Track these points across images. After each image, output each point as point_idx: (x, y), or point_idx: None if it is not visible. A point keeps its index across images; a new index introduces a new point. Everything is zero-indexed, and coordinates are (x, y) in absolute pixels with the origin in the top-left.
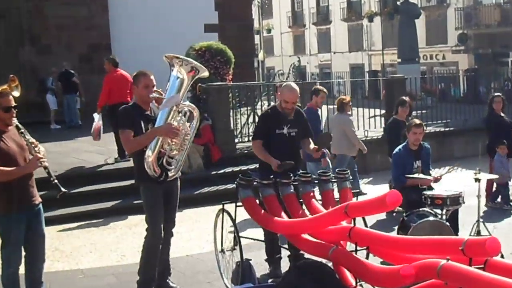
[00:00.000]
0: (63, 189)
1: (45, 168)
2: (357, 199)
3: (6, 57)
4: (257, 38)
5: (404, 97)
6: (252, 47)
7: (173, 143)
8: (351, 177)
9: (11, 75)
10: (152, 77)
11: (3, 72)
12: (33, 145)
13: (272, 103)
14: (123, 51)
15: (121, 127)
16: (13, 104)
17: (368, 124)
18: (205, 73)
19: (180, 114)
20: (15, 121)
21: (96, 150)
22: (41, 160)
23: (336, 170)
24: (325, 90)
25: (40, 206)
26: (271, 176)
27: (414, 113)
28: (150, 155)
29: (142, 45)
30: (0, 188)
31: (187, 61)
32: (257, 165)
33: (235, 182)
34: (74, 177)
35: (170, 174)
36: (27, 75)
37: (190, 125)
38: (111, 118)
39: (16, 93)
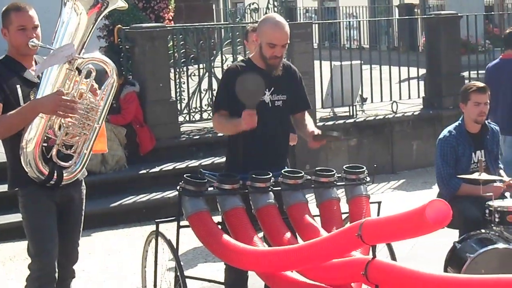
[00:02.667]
0: None
1: None
2: (378, 214)
3: None
4: None
5: None
6: None
7: (70, 123)
8: (368, 178)
9: None
10: (31, 12)
11: None
12: None
13: (240, 58)
14: None
15: None
16: None
17: (399, 92)
18: (121, 4)
19: (80, 75)
20: None
21: None
22: None
23: (345, 166)
24: None
25: None
26: (237, 178)
27: (474, 72)
28: (28, 145)
29: None
30: None
31: None
32: (215, 159)
33: (178, 188)
34: None
35: (66, 175)
36: None
37: (99, 93)
38: None
39: None
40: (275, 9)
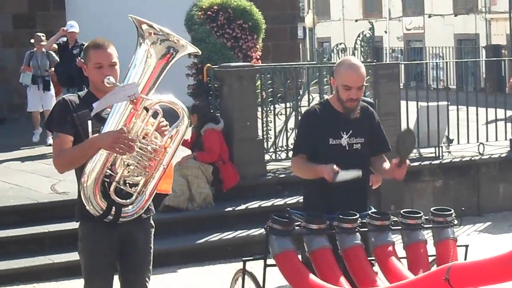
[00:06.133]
0: None
1: None
2: (465, 258)
3: None
4: None
5: None
6: (294, 6)
7: (130, 162)
8: (455, 221)
9: None
10: (110, 50)
11: None
12: None
13: (327, 97)
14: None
15: (52, 128)
16: None
17: (486, 133)
18: (191, 50)
19: (148, 114)
20: None
21: (39, 169)
22: None
23: (432, 209)
24: None
25: None
26: (324, 218)
27: None
28: (88, 179)
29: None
30: None
31: (163, 34)
32: (300, 198)
33: (265, 227)
34: (1, 214)
35: (125, 210)
36: None
37: (167, 134)
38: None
39: None
40: (362, 49)
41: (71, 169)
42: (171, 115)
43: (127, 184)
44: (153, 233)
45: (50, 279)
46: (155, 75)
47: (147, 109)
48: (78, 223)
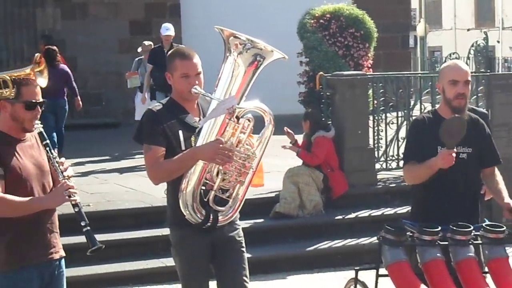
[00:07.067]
0: (98, 244)
1: (75, 205)
2: None
3: (19, 22)
4: (414, 0)
5: None
6: (406, 15)
7: (227, 170)
8: None
9: (37, 54)
10: (195, 60)
11: (16, 47)
12: (60, 167)
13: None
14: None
15: (144, 141)
16: (40, 98)
17: None
18: (277, 56)
19: (240, 122)
20: (38, 125)
21: None
22: (70, 191)
23: None
24: None
25: (62, 262)
26: (437, 229)
27: None
28: (187, 188)
29: (228, 6)
30: (0, 230)
31: (250, 42)
32: (410, 208)
33: (378, 236)
34: (116, 216)
35: (220, 218)
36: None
37: (256, 138)
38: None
39: (42, 82)
40: (475, 58)
41: (167, 181)
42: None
43: (222, 191)
44: (242, 232)
45: (162, 282)
46: (244, 84)
47: (238, 117)
48: (169, 230)
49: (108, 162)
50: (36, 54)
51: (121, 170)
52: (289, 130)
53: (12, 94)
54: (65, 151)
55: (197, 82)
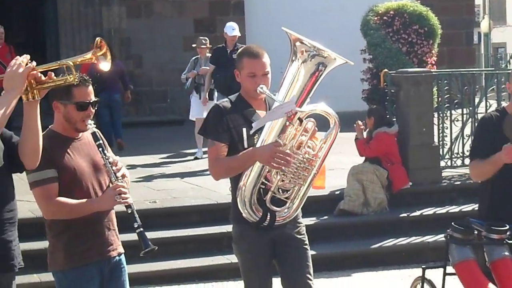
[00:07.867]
0: (150, 246)
1: (128, 207)
2: None
3: (85, 21)
4: None
5: None
6: (469, 11)
7: (287, 172)
8: None
9: (98, 38)
10: (264, 59)
11: (83, 45)
12: (113, 168)
13: (504, 104)
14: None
15: (208, 136)
16: (92, 98)
17: None
18: (339, 62)
19: (302, 125)
20: (91, 125)
21: None
22: (121, 193)
23: None
24: None
25: (122, 258)
26: (505, 228)
27: None
28: (246, 187)
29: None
30: (58, 230)
31: (315, 50)
32: (476, 206)
33: (445, 235)
34: (181, 213)
35: (278, 218)
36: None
37: (320, 140)
38: None
39: (106, 65)
40: None
41: (226, 177)
42: (321, 121)
43: (281, 191)
44: (304, 230)
45: (227, 278)
46: (307, 90)
47: (300, 120)
48: (232, 226)
49: (173, 158)
50: (97, 38)
51: (186, 167)
52: (361, 126)
53: (76, 80)
54: (130, 148)
55: (263, 82)
